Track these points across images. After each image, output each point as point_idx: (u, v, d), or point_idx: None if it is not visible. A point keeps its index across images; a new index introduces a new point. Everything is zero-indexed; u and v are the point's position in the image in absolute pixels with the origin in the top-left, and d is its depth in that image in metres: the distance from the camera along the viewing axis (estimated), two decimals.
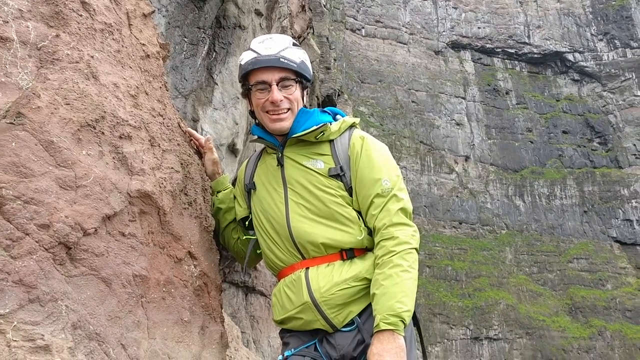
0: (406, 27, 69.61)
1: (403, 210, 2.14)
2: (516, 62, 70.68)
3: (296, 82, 2.24)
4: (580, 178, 63.34)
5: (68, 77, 1.84)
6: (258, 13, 6.37)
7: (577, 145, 65.56)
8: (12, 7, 1.75)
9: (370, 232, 2.18)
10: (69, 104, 1.79)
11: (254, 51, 2.22)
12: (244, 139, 6.22)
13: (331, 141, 2.27)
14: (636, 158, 62.70)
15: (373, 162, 2.20)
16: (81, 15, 1.98)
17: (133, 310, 1.87)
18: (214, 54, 5.64)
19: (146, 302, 1.94)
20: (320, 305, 2.09)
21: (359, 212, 2.20)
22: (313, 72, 2.46)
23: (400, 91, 65.74)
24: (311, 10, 11.02)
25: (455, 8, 71.43)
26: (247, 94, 2.32)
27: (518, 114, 67.24)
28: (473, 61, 70.28)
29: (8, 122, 1.62)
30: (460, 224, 60.61)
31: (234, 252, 2.60)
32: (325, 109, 2.44)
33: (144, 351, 1.88)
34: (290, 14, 8.28)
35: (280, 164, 2.29)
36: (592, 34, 68.86)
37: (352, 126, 2.35)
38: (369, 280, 2.10)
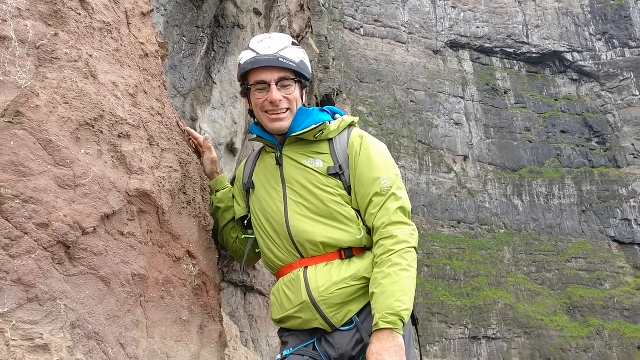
0: (405, 27, 69.62)
1: (402, 209, 2.14)
2: (515, 61, 70.74)
3: (295, 82, 2.24)
4: (579, 178, 63.42)
5: (67, 76, 1.83)
6: (257, 12, 6.37)
7: (575, 144, 65.64)
8: (10, 6, 1.75)
9: (369, 231, 2.18)
10: (67, 103, 1.79)
11: (253, 51, 2.22)
12: (243, 138, 6.22)
13: (330, 140, 2.27)
14: (634, 158, 62.79)
15: (372, 161, 2.20)
16: (80, 14, 1.98)
17: (132, 310, 1.87)
18: (213, 53, 5.63)
19: (145, 301, 1.94)
20: (319, 305, 2.09)
21: (358, 211, 2.20)
22: (312, 72, 2.46)
23: (399, 91, 65.76)
24: (310, 9, 11.01)
25: (454, 7, 71.46)
26: (246, 93, 2.31)
27: (517, 114, 67.31)
28: (472, 61, 70.33)
29: (7, 121, 1.61)
30: (459, 223, 60.66)
31: (233, 252, 2.60)
32: (324, 108, 2.43)
33: (143, 350, 1.88)
34: (289, 13, 8.28)
35: (279, 163, 2.29)
36: (590, 34, 68.94)
37: (351, 125, 2.35)
38: (368, 280, 2.10)
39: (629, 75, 65.71)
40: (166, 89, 2.52)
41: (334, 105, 14.64)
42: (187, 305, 2.17)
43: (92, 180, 1.78)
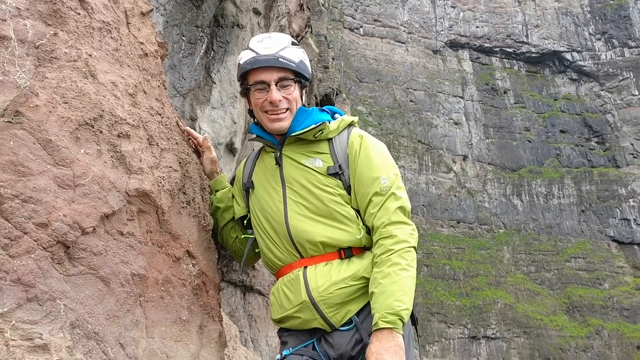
0: (404, 26, 69.63)
1: (401, 208, 2.14)
2: (514, 61, 70.77)
3: (295, 82, 2.24)
4: (578, 177, 63.46)
5: (66, 75, 1.83)
6: (256, 12, 6.37)
7: (574, 144, 65.68)
8: (9, 5, 1.75)
9: (369, 231, 2.18)
10: (67, 103, 1.79)
11: (253, 50, 2.22)
12: (242, 138, 6.22)
13: (330, 140, 2.27)
14: (634, 157, 62.84)
15: (372, 161, 2.19)
16: (79, 14, 1.98)
17: (131, 310, 1.87)
18: (212, 52, 5.63)
19: (144, 301, 1.94)
20: (319, 305, 2.09)
21: (358, 211, 2.20)
22: (311, 71, 2.46)
23: (399, 90, 65.77)
24: (309, 9, 11.01)
25: (454, 7, 71.47)
26: (245, 93, 2.31)
27: (516, 113, 67.34)
28: (471, 60, 70.35)
29: (6, 120, 1.61)
30: (458, 223, 60.69)
31: (232, 251, 2.60)
32: (323, 107, 2.43)
33: (143, 350, 1.88)
34: (288, 12, 8.27)
35: (279, 163, 2.28)
36: (590, 34, 68.97)
37: (350, 125, 2.35)
38: (367, 280, 2.10)
39: (629, 75, 65.75)
40: (165, 89, 2.51)
41: (333, 105, 14.63)
42: (187, 305, 2.17)
43: (91, 180, 1.78)
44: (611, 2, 68.61)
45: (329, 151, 2.24)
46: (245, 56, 2.24)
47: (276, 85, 2.19)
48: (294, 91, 2.24)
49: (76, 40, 1.93)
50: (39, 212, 1.59)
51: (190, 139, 2.60)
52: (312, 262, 2.16)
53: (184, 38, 5.10)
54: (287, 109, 2.24)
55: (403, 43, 68.94)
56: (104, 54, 2.06)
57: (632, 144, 63.26)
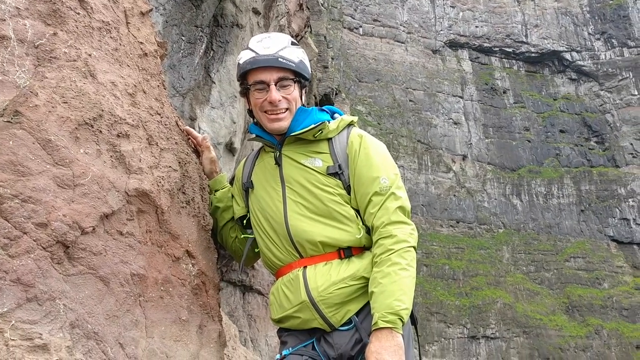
0: (404, 26, 69.61)
1: (401, 208, 2.14)
2: (514, 61, 70.75)
3: (295, 82, 2.24)
4: (578, 177, 63.46)
5: (65, 75, 1.83)
6: (256, 12, 6.36)
7: (574, 144, 65.68)
8: (9, 5, 1.75)
9: (369, 231, 2.18)
10: (66, 103, 1.79)
11: (253, 50, 2.21)
12: (242, 137, 6.22)
13: (329, 139, 2.27)
14: (633, 157, 62.85)
15: (371, 161, 2.20)
16: (79, 14, 1.98)
17: (131, 309, 1.87)
18: (212, 52, 5.63)
19: (144, 301, 1.94)
20: (318, 304, 2.09)
21: (357, 211, 2.20)
22: (311, 71, 2.46)
23: (398, 90, 65.76)
24: (309, 8, 11.01)
25: (453, 7, 71.46)
26: (245, 93, 2.31)
27: (515, 113, 67.33)
28: (471, 60, 70.33)
29: (5, 120, 1.61)
30: (458, 222, 60.68)
31: (232, 251, 2.60)
32: (323, 107, 2.43)
33: (142, 350, 1.88)
34: (287, 12, 8.27)
35: (278, 163, 2.28)
36: (589, 33, 68.98)
37: (350, 124, 2.35)
38: (367, 279, 2.10)
39: (628, 75, 65.76)
40: (165, 89, 2.51)
41: (332, 104, 14.64)
42: (186, 305, 2.17)
43: (91, 179, 1.78)
44: (610, 2, 68.62)
45: (328, 151, 2.24)
46: (244, 56, 2.24)
47: (276, 85, 2.19)
48: (294, 91, 2.24)
49: (76, 40, 1.93)
50: (39, 212, 1.59)
51: (189, 138, 2.60)
52: (312, 262, 2.16)
53: (183, 38, 5.10)
54: (287, 109, 2.23)
55: (402, 43, 68.92)
56: (104, 54, 2.06)
57: (631, 144, 63.27)
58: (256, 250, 2.43)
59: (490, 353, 50.95)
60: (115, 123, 1.96)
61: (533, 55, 70.03)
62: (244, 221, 2.47)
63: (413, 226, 2.15)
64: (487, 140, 65.94)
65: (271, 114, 2.23)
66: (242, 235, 2.49)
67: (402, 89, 66.02)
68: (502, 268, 57.25)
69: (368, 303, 2.07)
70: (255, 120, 2.38)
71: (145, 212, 2.02)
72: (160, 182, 2.11)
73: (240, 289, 7.94)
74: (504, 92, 68.66)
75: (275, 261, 2.27)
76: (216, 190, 2.57)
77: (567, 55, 68.86)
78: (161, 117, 2.29)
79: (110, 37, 2.13)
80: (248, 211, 2.43)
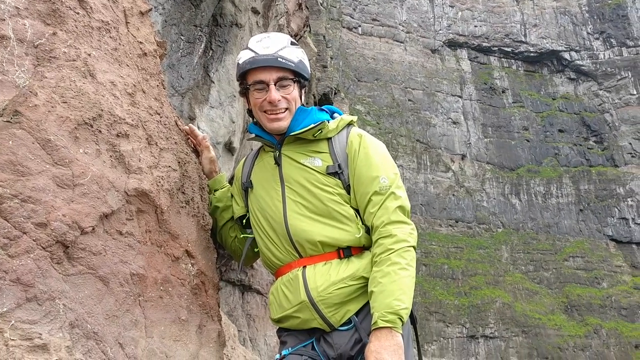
0: (403, 26, 69.63)
1: (401, 208, 2.14)
2: (512, 60, 70.79)
3: (294, 82, 2.24)
4: (576, 176, 63.51)
5: (65, 75, 1.83)
6: (255, 11, 6.36)
7: (573, 143, 65.73)
8: (8, 5, 1.75)
9: (368, 230, 2.18)
10: (66, 102, 1.79)
11: (252, 50, 2.21)
12: (241, 137, 6.21)
13: (329, 139, 2.27)
14: (632, 157, 62.92)
15: (371, 160, 2.20)
16: (78, 13, 1.98)
17: (130, 309, 1.87)
18: (211, 52, 5.63)
19: (144, 300, 1.94)
20: (318, 305, 2.09)
21: (357, 210, 2.20)
22: (310, 71, 2.46)
23: (397, 90, 65.77)
24: (308, 8, 11.00)
25: (452, 6, 71.48)
26: (245, 93, 2.31)
27: (514, 113, 67.36)
28: (469, 60, 70.36)
29: (5, 120, 1.61)
30: (457, 222, 60.72)
31: (231, 251, 2.60)
32: (322, 107, 2.43)
33: (142, 350, 1.88)
34: (287, 12, 8.27)
35: (278, 162, 2.28)
36: (588, 33, 69.02)
37: (349, 124, 2.35)
38: (366, 279, 2.10)
39: (627, 75, 65.81)
40: (164, 88, 2.51)
41: (331, 104, 14.64)
42: (186, 305, 2.17)
43: (90, 179, 1.78)
44: (609, 1, 68.67)
45: (328, 150, 2.24)
46: (244, 56, 2.24)
47: (275, 85, 2.19)
48: (293, 91, 2.24)
49: (75, 40, 1.93)
50: (38, 211, 1.59)
51: (189, 138, 2.60)
52: (311, 262, 2.16)
53: (182, 37, 5.09)
54: (286, 109, 2.23)
55: (401, 42, 68.93)
56: (103, 54, 2.06)
57: (630, 143, 63.33)
58: (255, 249, 2.43)
59: (489, 352, 50.99)
60: (115, 123, 1.96)
61: (532, 54, 70.08)
62: (244, 221, 2.47)
63: (413, 226, 2.15)
64: (486, 139, 65.97)
65: (271, 114, 2.23)
66: (242, 235, 2.49)
67: (401, 88, 66.03)
68: (501, 267, 57.28)
69: (367, 303, 2.07)
70: (254, 120, 2.38)
71: (144, 212, 2.02)
72: (159, 182, 2.11)
73: (239, 289, 7.94)
74: (503, 92, 68.69)
75: (275, 261, 2.27)
76: (215, 190, 2.57)
77: (566, 55, 68.90)
78: (160, 117, 2.29)
79: (110, 37, 2.13)
80: (247, 211, 2.43)
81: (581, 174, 63.52)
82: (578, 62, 68.32)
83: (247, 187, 2.41)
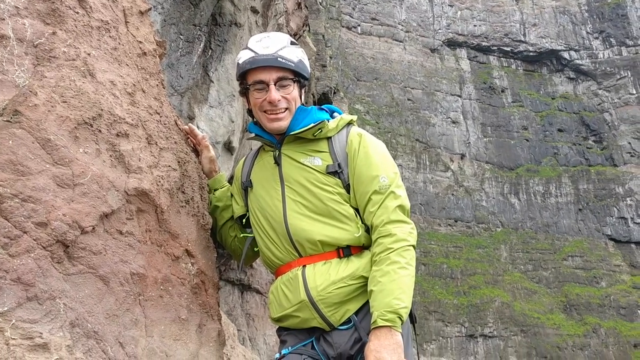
0: (402, 25, 69.63)
1: (401, 207, 2.14)
2: (512, 60, 70.83)
3: (294, 82, 2.23)
4: (576, 176, 63.57)
5: (65, 74, 1.83)
6: (254, 10, 6.36)
7: (572, 143, 65.78)
8: (8, 4, 1.75)
9: (368, 230, 2.18)
10: (65, 102, 1.79)
11: (252, 50, 2.21)
12: (240, 137, 6.21)
13: (329, 138, 2.27)
14: (631, 156, 62.98)
15: (371, 159, 2.20)
16: (78, 13, 1.98)
17: (131, 309, 1.87)
18: (210, 51, 5.62)
19: (144, 300, 1.94)
20: (317, 304, 2.10)
21: (357, 210, 2.20)
22: (310, 70, 2.46)
23: (396, 89, 65.78)
24: (307, 7, 11.00)
25: (451, 6, 71.49)
26: (245, 92, 2.31)
27: (514, 112, 67.40)
28: (469, 59, 70.38)
29: (5, 120, 1.61)
30: (456, 221, 60.75)
31: (231, 250, 2.60)
32: (322, 106, 2.43)
33: (142, 349, 1.88)
34: (286, 11, 8.27)
35: (277, 162, 2.29)
36: (587, 32, 69.06)
37: (349, 123, 2.35)
38: (366, 279, 2.11)
39: (626, 74, 65.86)
40: (164, 88, 2.51)
41: (331, 103, 14.64)
42: (186, 304, 2.17)
43: (90, 179, 1.78)
44: (609, 1, 68.70)
45: (328, 150, 2.25)
46: (244, 56, 2.24)
47: (275, 85, 2.19)
48: (293, 91, 2.24)
49: (75, 39, 1.93)
50: (38, 211, 1.59)
51: (188, 138, 2.60)
52: (311, 261, 2.17)
53: (181, 37, 5.09)
54: (286, 109, 2.23)
55: (401, 42, 68.94)
56: (103, 53, 2.06)
57: (629, 143, 63.38)
58: (255, 249, 2.43)
59: (488, 352, 51.03)
60: (115, 122, 1.96)
61: (531, 54, 70.10)
62: (243, 220, 2.47)
63: (412, 225, 2.15)
64: (485, 139, 66.00)
65: (271, 114, 2.23)
66: (242, 234, 2.49)
67: (401, 87, 66.04)
68: (500, 267, 57.33)
69: (367, 302, 2.08)
70: (254, 119, 2.38)
71: (144, 212, 2.02)
72: (159, 182, 2.12)
73: (238, 288, 7.94)
74: (502, 91, 68.72)
75: (275, 260, 2.28)
76: (215, 190, 2.57)
77: (566, 54, 68.94)
78: (160, 117, 2.29)
79: (109, 37, 2.13)
80: (247, 210, 2.43)
81: (580, 174, 63.58)
82: (577, 61, 68.36)
83: (246, 187, 2.41)
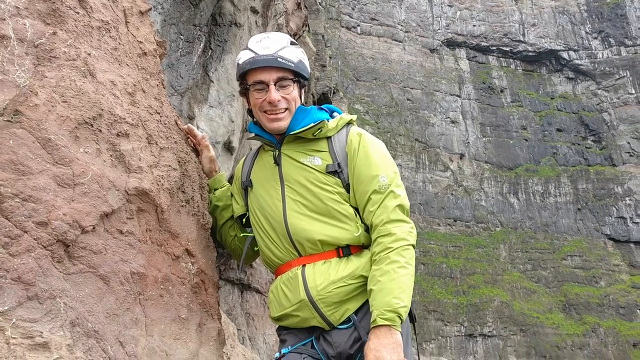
0: (401, 25, 69.64)
1: (400, 206, 2.15)
2: (511, 60, 70.85)
3: (294, 82, 2.24)
4: (575, 176, 63.60)
5: (65, 74, 1.83)
6: (254, 11, 6.36)
7: (571, 143, 65.81)
8: (8, 5, 1.75)
9: (367, 229, 2.19)
10: (66, 102, 1.79)
11: (252, 50, 2.22)
12: (240, 136, 6.21)
13: (329, 138, 2.28)
14: (630, 156, 63.01)
15: (370, 159, 2.20)
16: (78, 13, 1.98)
17: (131, 308, 1.87)
18: (210, 51, 5.63)
19: (144, 299, 1.95)
20: (317, 303, 2.10)
21: (356, 209, 2.21)
22: (310, 70, 2.46)
23: (396, 89, 65.78)
24: (307, 7, 11.00)
25: (451, 6, 71.50)
26: (245, 93, 2.32)
27: (513, 112, 67.42)
28: (468, 59, 70.39)
29: (5, 119, 1.61)
30: (455, 221, 60.77)
31: (231, 250, 2.61)
32: (322, 106, 2.44)
33: (142, 348, 1.89)
34: (285, 11, 8.27)
35: (277, 162, 2.29)
36: (586, 32, 69.09)
37: (349, 123, 2.36)
38: (365, 278, 2.11)
39: (625, 74, 65.90)
40: (164, 88, 2.52)
41: (330, 103, 14.64)
42: (186, 303, 2.18)
43: (91, 178, 1.78)
44: (608, 1, 68.73)
45: (327, 149, 2.25)
46: (244, 56, 2.24)
47: (275, 85, 2.19)
48: (293, 91, 2.24)
49: (75, 40, 1.93)
50: (39, 210, 1.60)
51: (189, 137, 2.60)
52: (311, 261, 2.17)
53: (181, 37, 5.10)
54: (286, 109, 2.24)
55: (400, 42, 68.95)
56: (103, 53, 2.06)
57: (628, 143, 63.42)
58: (255, 248, 2.44)
59: (488, 351, 51.05)
60: (115, 122, 1.96)
61: (530, 54, 70.12)
62: (243, 220, 2.48)
63: (412, 224, 2.16)
64: (484, 139, 66.02)
65: (271, 114, 2.23)
66: (242, 234, 2.50)
67: (400, 87, 66.06)
68: (499, 266, 57.35)
69: (367, 301, 2.08)
70: (254, 119, 2.38)
71: (145, 211, 2.03)
72: (159, 181, 2.12)
73: (238, 287, 7.94)
74: (502, 91, 68.74)
75: (275, 259, 2.28)
76: (215, 189, 2.58)
77: (565, 54, 68.97)
78: (160, 116, 2.29)
79: (110, 37, 2.13)
80: (247, 210, 2.43)
81: (579, 173, 63.61)
82: (576, 61, 68.39)
83: (246, 186, 2.41)
